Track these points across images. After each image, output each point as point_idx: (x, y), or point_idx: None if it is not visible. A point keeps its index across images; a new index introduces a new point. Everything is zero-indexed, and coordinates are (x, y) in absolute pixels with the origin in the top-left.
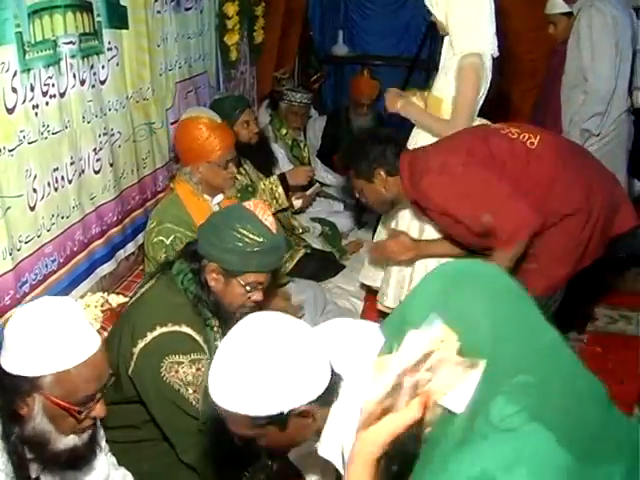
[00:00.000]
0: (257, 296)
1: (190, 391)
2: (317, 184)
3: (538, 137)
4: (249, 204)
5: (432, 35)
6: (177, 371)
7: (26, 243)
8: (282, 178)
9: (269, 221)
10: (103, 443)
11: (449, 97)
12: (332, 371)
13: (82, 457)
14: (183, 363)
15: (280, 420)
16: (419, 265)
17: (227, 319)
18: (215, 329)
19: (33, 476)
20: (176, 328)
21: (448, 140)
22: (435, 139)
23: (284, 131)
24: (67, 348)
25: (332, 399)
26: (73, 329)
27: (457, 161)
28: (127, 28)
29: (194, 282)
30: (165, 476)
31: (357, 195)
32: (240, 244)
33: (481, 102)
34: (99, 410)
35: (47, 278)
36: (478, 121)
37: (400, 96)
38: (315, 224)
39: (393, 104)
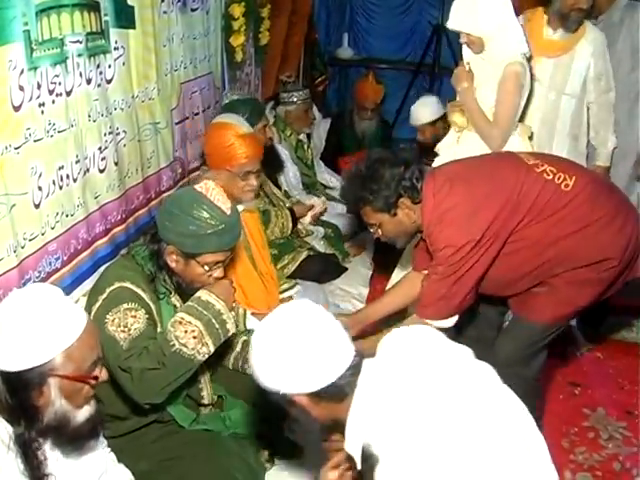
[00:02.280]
0: (218, 273)
1: (120, 331)
2: (323, 198)
3: (574, 179)
4: (201, 186)
5: (437, 40)
6: (113, 320)
7: (30, 240)
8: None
9: (222, 201)
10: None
11: (488, 108)
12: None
13: (97, 425)
14: (120, 311)
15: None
16: None
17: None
18: (173, 300)
19: (46, 472)
20: (121, 284)
21: (480, 174)
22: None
23: (288, 132)
24: (64, 325)
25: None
26: (61, 307)
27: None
28: (134, 28)
29: (150, 260)
30: (163, 474)
31: (372, 230)
32: (194, 227)
33: (521, 108)
34: (104, 373)
35: (51, 276)
36: (521, 127)
37: (468, 78)
38: (318, 227)
39: (460, 81)
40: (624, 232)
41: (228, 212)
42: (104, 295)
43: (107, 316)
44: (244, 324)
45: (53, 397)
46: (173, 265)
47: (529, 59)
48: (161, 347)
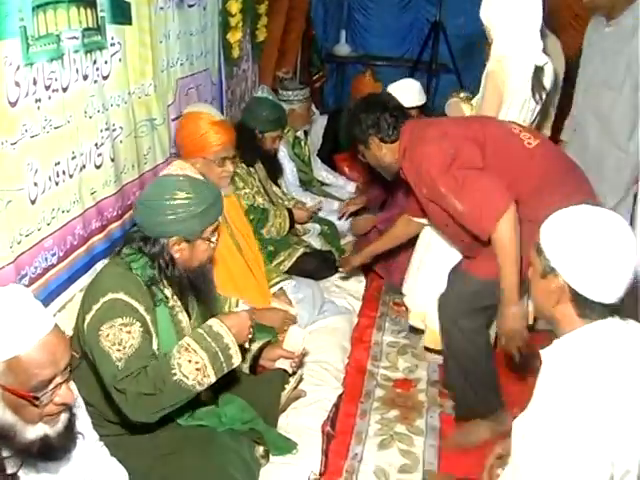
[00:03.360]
0: (215, 237)
1: (115, 350)
2: (320, 199)
3: (538, 141)
4: (174, 169)
5: (435, 37)
6: (108, 334)
7: (26, 236)
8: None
9: (194, 172)
10: (89, 432)
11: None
12: None
13: (57, 447)
14: (114, 326)
15: None
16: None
17: (199, 281)
18: (171, 304)
19: (9, 472)
20: (115, 295)
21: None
22: None
23: (286, 129)
24: (13, 334)
25: None
26: (19, 315)
27: (457, 133)
28: (130, 24)
29: (148, 266)
30: (158, 470)
31: (361, 158)
32: (195, 207)
33: (514, 110)
34: (64, 395)
35: (47, 272)
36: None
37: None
38: (314, 224)
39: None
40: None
41: (204, 180)
42: (97, 305)
43: (101, 329)
44: None
45: None
46: (178, 255)
47: (541, 69)
48: (161, 373)
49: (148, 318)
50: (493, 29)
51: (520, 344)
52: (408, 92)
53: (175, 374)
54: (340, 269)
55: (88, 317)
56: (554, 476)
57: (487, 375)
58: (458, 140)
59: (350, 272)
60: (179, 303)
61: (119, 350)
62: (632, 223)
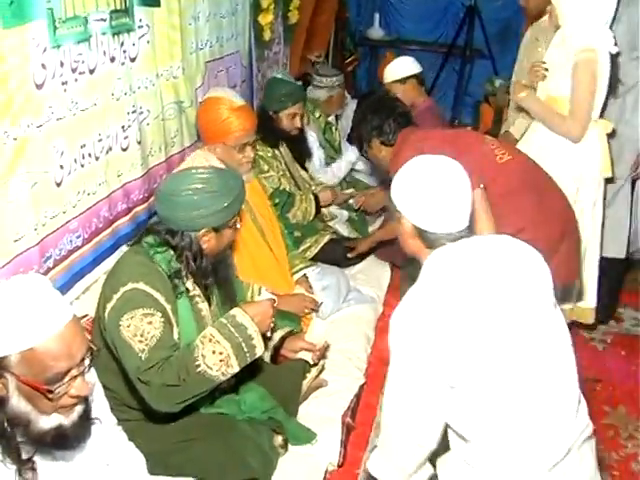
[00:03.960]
0: (238, 222)
1: (137, 341)
2: (352, 190)
3: (510, 157)
4: (192, 160)
5: (470, 21)
6: (129, 325)
7: (51, 219)
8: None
9: (212, 161)
10: (107, 416)
11: (565, 96)
12: None
13: (71, 437)
14: (135, 317)
15: None
16: None
17: (221, 267)
18: (192, 294)
19: (24, 457)
20: (135, 285)
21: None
22: (553, 135)
23: (317, 114)
24: (30, 326)
25: None
26: (36, 306)
27: (437, 138)
28: (159, 5)
29: (174, 259)
30: (176, 456)
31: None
32: (221, 200)
33: (601, 101)
34: (79, 388)
35: (71, 254)
36: (600, 123)
37: (526, 87)
38: (342, 210)
39: (518, 93)
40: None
41: (223, 165)
42: (118, 295)
43: (122, 319)
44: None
45: (10, 393)
46: (206, 246)
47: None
48: (185, 363)
49: (169, 308)
50: (569, 17)
51: None
52: (401, 64)
53: (199, 365)
54: (348, 254)
55: (109, 306)
56: (396, 393)
57: None
58: (437, 142)
59: (358, 257)
60: (199, 292)
61: (141, 341)
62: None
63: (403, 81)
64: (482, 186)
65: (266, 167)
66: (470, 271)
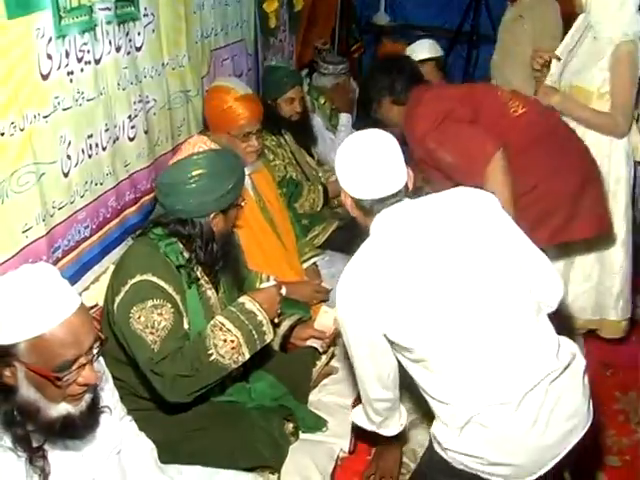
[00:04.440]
0: (242, 198)
1: (148, 333)
2: None
3: (524, 109)
4: (190, 146)
5: (476, 7)
6: (139, 317)
7: (59, 209)
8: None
9: (209, 144)
10: (116, 407)
11: (592, 87)
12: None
13: (80, 426)
14: (145, 308)
15: None
16: None
17: (228, 247)
18: (202, 282)
19: (35, 445)
20: (143, 277)
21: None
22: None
23: (322, 100)
24: (38, 313)
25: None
26: (44, 294)
27: (453, 95)
28: None
29: (184, 249)
30: (187, 444)
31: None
32: (229, 180)
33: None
34: (87, 376)
35: (80, 244)
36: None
37: (556, 90)
38: None
39: (551, 97)
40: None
41: (221, 146)
42: (126, 287)
43: (132, 311)
44: None
45: (19, 381)
46: (216, 229)
47: None
48: (198, 353)
49: (178, 298)
50: (597, 3)
51: None
52: (422, 47)
53: (212, 354)
54: None
55: (118, 299)
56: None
57: None
58: (453, 102)
59: None
60: (207, 280)
61: (152, 333)
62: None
63: (422, 62)
64: (501, 150)
65: (271, 156)
66: (401, 230)
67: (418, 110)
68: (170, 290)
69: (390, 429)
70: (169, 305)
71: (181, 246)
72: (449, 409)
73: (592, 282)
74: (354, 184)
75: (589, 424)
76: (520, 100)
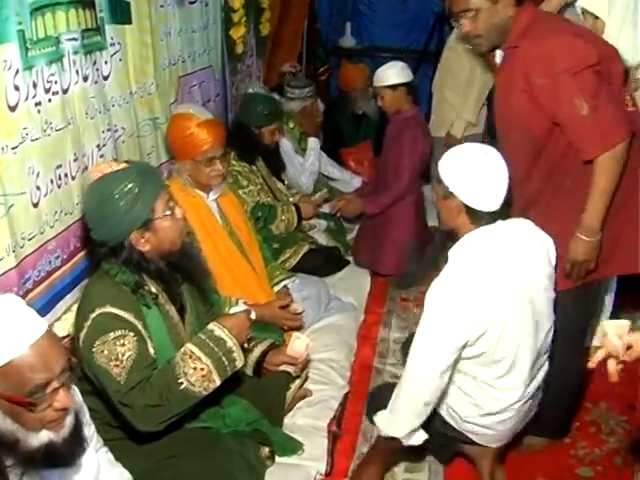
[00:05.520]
0: (179, 210)
1: (113, 366)
2: (325, 190)
3: (633, 108)
4: (94, 173)
5: (440, 27)
6: (103, 351)
7: (29, 240)
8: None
9: (114, 166)
10: (92, 438)
11: None
12: None
13: (64, 453)
14: (107, 342)
15: None
16: None
17: (182, 261)
18: (161, 302)
19: None
20: (102, 310)
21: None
22: None
23: (291, 125)
24: (4, 340)
25: None
26: (9, 321)
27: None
28: (130, 23)
29: (125, 271)
30: (162, 473)
31: (461, 23)
32: (127, 196)
33: None
34: (62, 400)
35: (50, 274)
36: None
37: None
38: (320, 220)
39: None
40: None
41: (128, 164)
42: (88, 322)
43: (95, 345)
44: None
45: None
46: (147, 247)
47: None
48: (167, 382)
49: (139, 324)
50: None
51: (583, 274)
52: (393, 69)
53: (182, 383)
54: None
55: (82, 335)
56: (426, 333)
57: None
58: (600, 56)
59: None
60: (167, 298)
61: (117, 365)
62: None
63: (393, 87)
64: (628, 140)
65: (245, 182)
66: (492, 252)
67: (565, 38)
68: (131, 318)
69: (419, 434)
70: (132, 334)
71: (125, 270)
72: (494, 394)
73: None
74: (474, 192)
75: None
76: (629, 98)
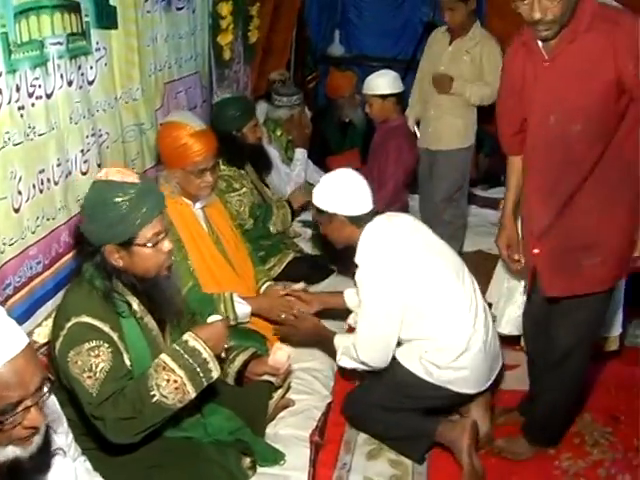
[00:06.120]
0: (167, 245)
1: (86, 377)
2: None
3: None
4: (100, 176)
5: (428, 37)
6: (77, 361)
7: (10, 245)
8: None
9: (125, 176)
10: (71, 446)
11: None
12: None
13: (29, 470)
14: (81, 352)
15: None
16: None
17: (153, 292)
18: (139, 314)
19: None
20: (78, 319)
21: None
22: None
23: (279, 132)
24: None
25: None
26: None
27: None
28: (116, 28)
29: (99, 277)
30: None
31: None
32: (114, 213)
33: None
34: (33, 419)
35: (32, 280)
36: None
37: None
38: (306, 228)
39: None
40: None
41: (136, 181)
42: (64, 331)
43: (69, 356)
44: (232, 310)
45: None
46: (120, 264)
47: None
48: (140, 394)
49: (115, 336)
50: None
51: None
52: (385, 79)
53: (154, 395)
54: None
55: (57, 344)
56: (367, 314)
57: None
58: None
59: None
60: (144, 309)
61: (90, 377)
62: None
63: (383, 97)
64: None
65: (238, 185)
66: (387, 230)
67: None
68: (106, 329)
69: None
70: (106, 345)
71: (99, 274)
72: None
73: None
74: (350, 204)
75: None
76: None
